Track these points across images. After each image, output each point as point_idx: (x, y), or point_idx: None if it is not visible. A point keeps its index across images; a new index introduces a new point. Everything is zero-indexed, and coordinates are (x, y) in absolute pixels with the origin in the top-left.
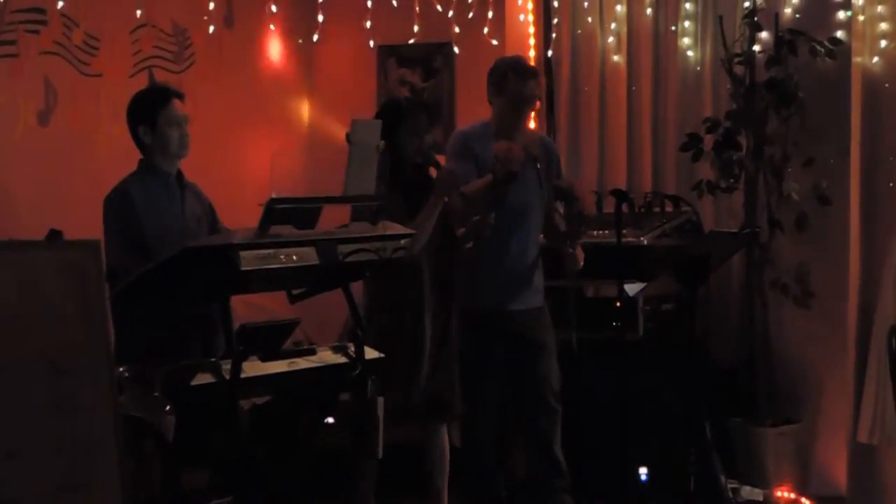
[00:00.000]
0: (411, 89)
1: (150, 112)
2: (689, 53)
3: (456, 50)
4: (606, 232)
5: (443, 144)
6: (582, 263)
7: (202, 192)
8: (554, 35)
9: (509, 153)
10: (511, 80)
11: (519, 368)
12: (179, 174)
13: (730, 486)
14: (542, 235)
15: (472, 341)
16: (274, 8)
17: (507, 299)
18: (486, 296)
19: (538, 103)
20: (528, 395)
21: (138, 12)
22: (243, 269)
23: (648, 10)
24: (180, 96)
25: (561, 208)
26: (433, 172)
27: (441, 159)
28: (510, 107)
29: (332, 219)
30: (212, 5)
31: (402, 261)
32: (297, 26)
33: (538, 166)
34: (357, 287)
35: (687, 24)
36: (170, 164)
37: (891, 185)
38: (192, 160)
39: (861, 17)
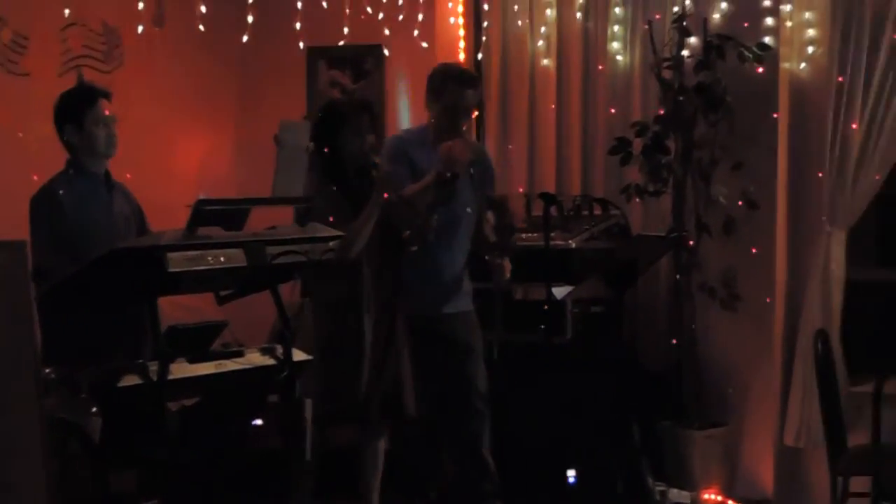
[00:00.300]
0: (342, 91)
1: (77, 112)
2: (619, 58)
3: (386, 52)
4: (535, 235)
5: (378, 146)
6: (509, 275)
7: (131, 194)
8: (484, 38)
9: (454, 153)
10: (449, 88)
11: (447, 371)
12: (107, 174)
13: (658, 488)
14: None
15: (413, 344)
16: (203, 8)
17: (440, 303)
18: (421, 300)
19: (475, 112)
20: (456, 397)
21: (67, 11)
22: (171, 270)
23: (578, 15)
24: (107, 96)
25: (492, 219)
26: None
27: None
28: (447, 114)
29: (261, 220)
30: (141, 5)
31: (340, 262)
32: (227, 27)
33: (472, 172)
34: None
35: (616, 28)
36: (97, 164)
37: (814, 187)
38: (120, 160)
39: (789, 23)
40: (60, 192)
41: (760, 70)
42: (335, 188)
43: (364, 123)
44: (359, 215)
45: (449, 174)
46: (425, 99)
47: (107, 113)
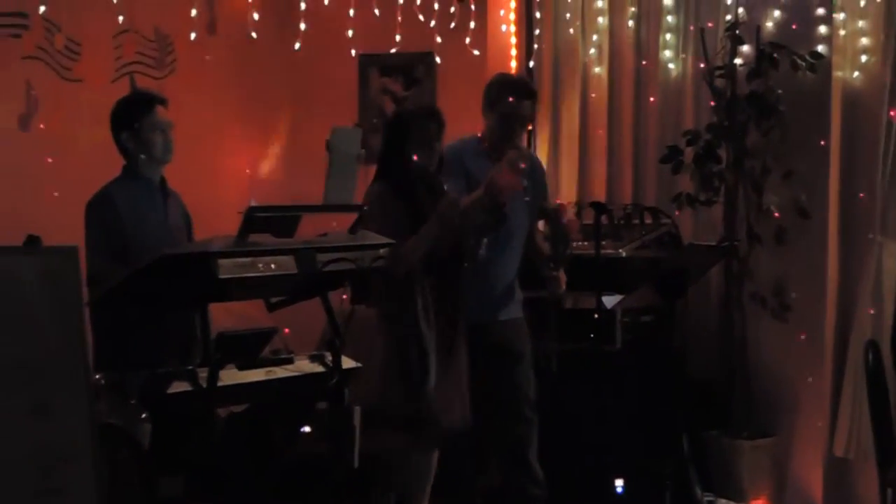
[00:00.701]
0: (393, 98)
1: (134, 118)
2: (671, 66)
3: (438, 59)
4: (586, 243)
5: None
6: (564, 287)
7: (183, 204)
8: (536, 46)
9: (501, 182)
10: (506, 98)
11: (497, 377)
12: (163, 181)
13: (706, 499)
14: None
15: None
16: (256, 16)
17: (493, 311)
18: (474, 308)
19: (529, 125)
20: (505, 403)
21: (120, 18)
22: (221, 277)
23: (630, 23)
24: (164, 102)
25: (544, 229)
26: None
27: None
28: (502, 124)
29: (312, 227)
30: (194, 12)
31: (387, 272)
32: (280, 34)
33: (525, 183)
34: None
35: (668, 36)
36: (153, 170)
37: (866, 197)
38: (171, 167)
39: (842, 32)
40: (116, 196)
41: (813, 78)
42: (399, 201)
43: (431, 133)
44: (412, 226)
45: (494, 204)
46: (482, 108)
47: (163, 119)
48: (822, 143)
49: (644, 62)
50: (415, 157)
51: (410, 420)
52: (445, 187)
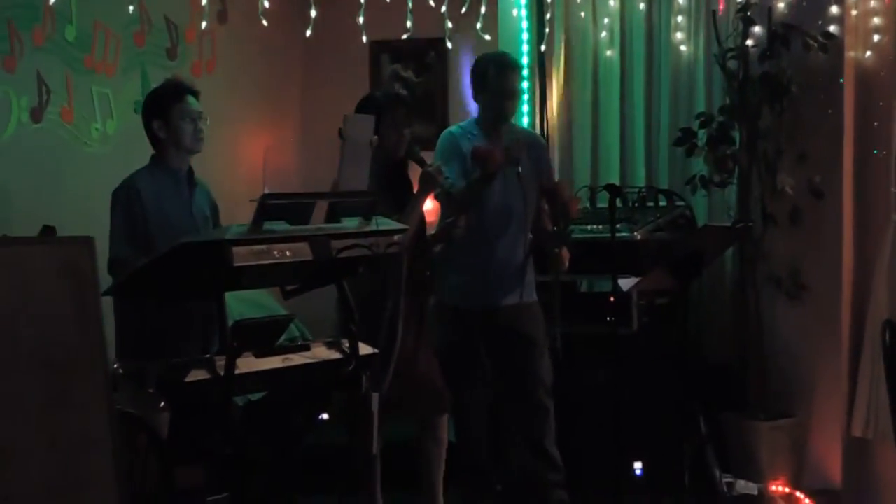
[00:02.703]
0: (405, 85)
1: (165, 106)
2: (683, 48)
3: (449, 45)
4: (600, 227)
5: (432, 139)
6: (567, 265)
7: (211, 193)
8: (547, 30)
9: (487, 154)
10: (491, 73)
11: (510, 364)
12: (190, 171)
13: (725, 480)
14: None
15: (458, 339)
16: (267, 3)
17: (498, 296)
18: (476, 295)
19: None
20: (520, 390)
21: (130, 8)
22: (236, 264)
23: (641, 5)
24: (195, 93)
25: (547, 207)
26: (413, 167)
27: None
28: (494, 100)
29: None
30: (204, 1)
31: (393, 256)
32: (290, 22)
33: (518, 162)
34: None
35: (680, 18)
36: (181, 159)
37: (881, 176)
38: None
39: (854, 12)
40: (141, 185)
41: (825, 59)
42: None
43: (400, 117)
44: (396, 209)
45: (483, 174)
46: (472, 93)
47: (195, 108)
48: (835, 123)
49: (656, 45)
50: (375, 138)
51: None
52: (444, 171)
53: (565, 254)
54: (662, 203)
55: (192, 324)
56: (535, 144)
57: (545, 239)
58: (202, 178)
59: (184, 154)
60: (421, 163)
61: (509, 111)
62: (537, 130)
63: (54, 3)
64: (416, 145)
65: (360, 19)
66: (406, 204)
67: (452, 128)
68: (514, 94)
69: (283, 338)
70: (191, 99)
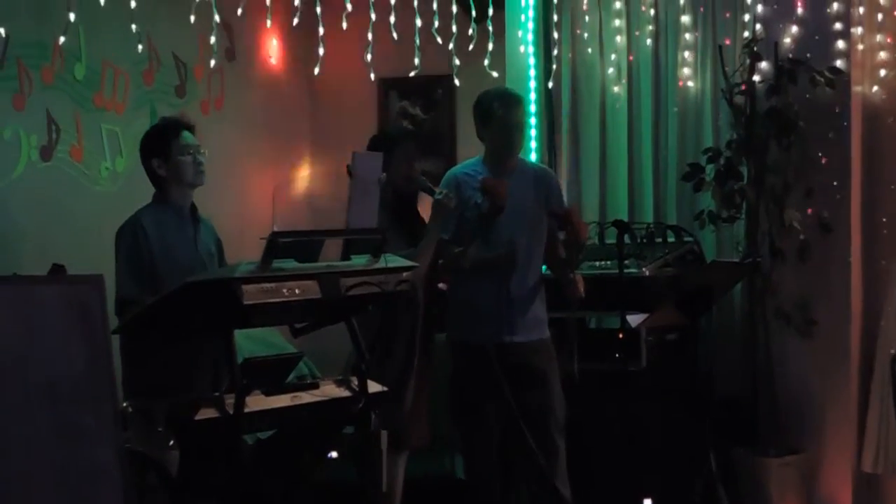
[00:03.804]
0: (413, 121)
1: (163, 144)
2: (690, 84)
3: (457, 82)
4: (608, 263)
5: (439, 175)
6: (582, 291)
7: (215, 229)
8: (554, 66)
9: (496, 187)
10: (496, 109)
11: (523, 401)
12: (193, 208)
13: None
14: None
15: (468, 375)
16: (275, 41)
17: (508, 331)
18: (485, 329)
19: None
20: (532, 428)
21: (140, 47)
22: (246, 303)
23: (648, 41)
24: (191, 128)
25: (561, 236)
26: (423, 199)
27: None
28: (500, 135)
29: (335, 251)
30: (213, 39)
31: (404, 293)
32: (298, 59)
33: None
34: None
35: (687, 54)
36: (184, 195)
37: (889, 213)
38: (194, 193)
39: (860, 47)
40: (146, 223)
41: (832, 94)
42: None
43: (410, 151)
44: (407, 239)
45: (492, 207)
46: (476, 130)
47: (193, 142)
48: (843, 158)
49: (663, 80)
50: (384, 175)
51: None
52: (447, 199)
53: (579, 279)
54: (671, 238)
55: (200, 362)
56: (543, 177)
57: (559, 267)
58: (205, 215)
59: (186, 189)
60: (430, 192)
61: (516, 145)
62: (546, 166)
63: (63, 41)
64: (424, 176)
65: (368, 56)
66: (417, 236)
67: (457, 170)
68: (520, 128)
69: (292, 375)
70: (187, 134)
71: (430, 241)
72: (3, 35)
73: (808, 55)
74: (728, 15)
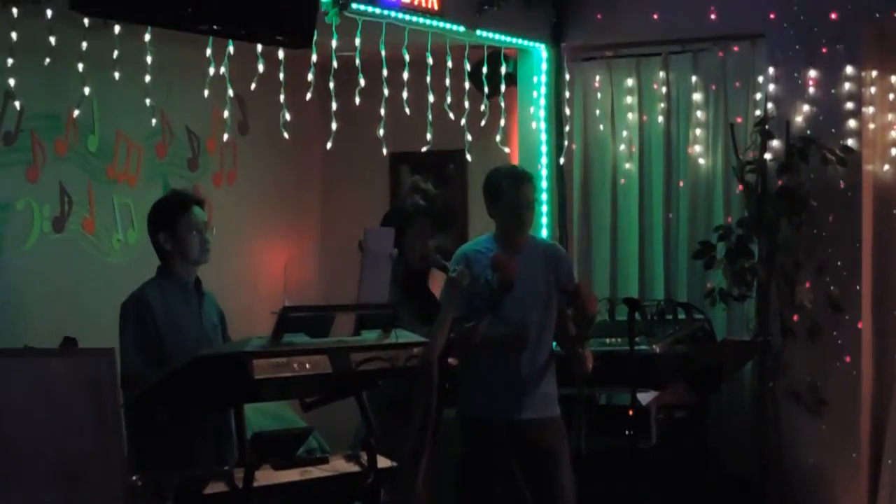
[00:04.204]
0: (424, 196)
1: (171, 218)
2: (701, 161)
3: (469, 157)
4: (619, 339)
5: (451, 250)
6: (591, 365)
7: (216, 301)
8: (566, 143)
9: (506, 263)
10: (505, 186)
11: (534, 479)
12: (198, 281)
13: None
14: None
15: (477, 452)
16: (288, 116)
17: (518, 408)
18: (498, 408)
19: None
20: None
21: (154, 120)
22: (256, 377)
23: (660, 118)
24: (200, 203)
25: (570, 312)
26: (435, 276)
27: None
28: (511, 213)
29: (346, 325)
30: (226, 113)
31: (416, 368)
32: (311, 134)
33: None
34: None
35: (698, 131)
36: (189, 270)
37: None
38: (205, 266)
39: (871, 126)
40: (151, 298)
41: (843, 172)
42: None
43: (425, 227)
44: (419, 315)
45: (502, 283)
46: (486, 207)
47: (201, 220)
48: (854, 236)
49: (674, 158)
50: (395, 251)
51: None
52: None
53: (588, 355)
54: (681, 316)
55: (206, 435)
56: (554, 254)
57: (569, 342)
58: (208, 288)
59: (190, 266)
60: (444, 269)
61: (527, 222)
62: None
63: (77, 114)
64: (437, 253)
65: (381, 132)
66: (427, 313)
67: (467, 247)
68: (530, 205)
69: (301, 450)
70: (197, 210)
71: (445, 319)
72: (18, 107)
73: (820, 134)
74: (739, 93)
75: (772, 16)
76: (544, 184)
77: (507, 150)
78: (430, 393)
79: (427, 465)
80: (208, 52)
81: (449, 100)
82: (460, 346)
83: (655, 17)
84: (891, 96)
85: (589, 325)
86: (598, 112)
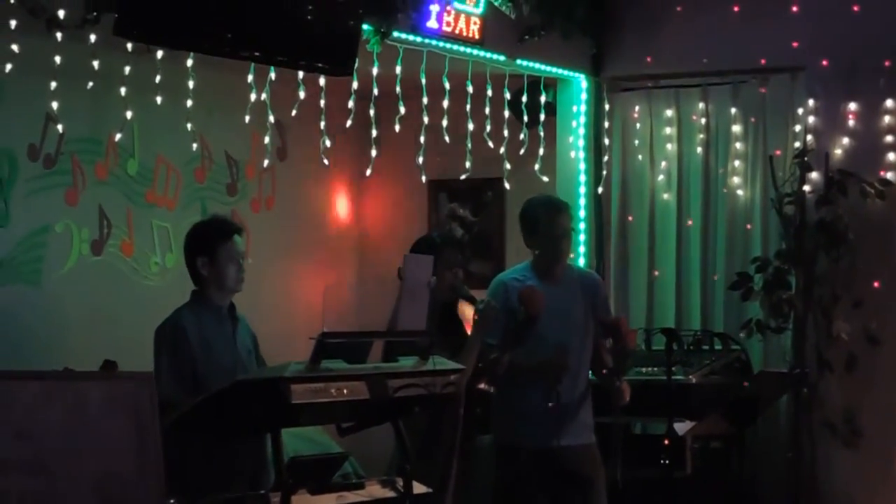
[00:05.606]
0: (461, 223)
1: (211, 245)
2: (739, 192)
3: (507, 185)
4: (655, 369)
5: (488, 277)
6: (628, 398)
7: (249, 325)
8: (604, 172)
9: (532, 298)
10: (542, 217)
11: None
12: (232, 307)
13: None
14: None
15: (513, 479)
16: (328, 142)
17: (555, 436)
18: (534, 435)
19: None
20: None
21: (194, 145)
22: (294, 402)
23: (699, 149)
24: (241, 231)
25: (608, 344)
26: (463, 306)
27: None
28: (548, 243)
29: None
30: (266, 138)
31: (451, 395)
32: (351, 161)
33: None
34: None
35: (737, 163)
36: (224, 297)
37: None
38: (244, 292)
39: None
40: (186, 324)
41: (882, 205)
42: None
43: (453, 258)
44: (445, 345)
45: (528, 316)
46: (523, 237)
47: (240, 249)
48: (892, 270)
49: (713, 189)
50: (434, 279)
51: None
52: (492, 309)
53: (626, 387)
54: (718, 347)
55: (242, 459)
56: (591, 284)
57: (605, 374)
58: (241, 312)
59: (226, 293)
60: (471, 300)
61: (564, 252)
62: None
63: (118, 138)
64: (465, 284)
65: (420, 159)
66: (455, 343)
67: (505, 275)
68: (567, 235)
69: (337, 475)
70: (237, 239)
71: (472, 349)
72: (60, 131)
73: (859, 167)
74: (778, 125)
75: (812, 49)
76: (582, 213)
77: (545, 178)
78: (456, 419)
79: (455, 490)
80: (250, 77)
81: (488, 128)
82: (490, 375)
83: (695, 48)
84: None
85: (626, 360)
86: (636, 142)
